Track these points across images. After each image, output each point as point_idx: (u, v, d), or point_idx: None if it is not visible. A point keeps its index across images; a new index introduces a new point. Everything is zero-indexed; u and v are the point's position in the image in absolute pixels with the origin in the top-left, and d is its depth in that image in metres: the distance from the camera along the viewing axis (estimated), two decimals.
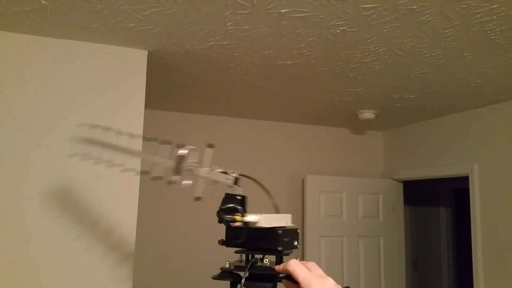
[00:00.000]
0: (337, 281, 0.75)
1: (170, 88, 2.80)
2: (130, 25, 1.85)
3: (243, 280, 0.84)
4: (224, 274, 0.92)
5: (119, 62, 2.09)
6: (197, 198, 0.85)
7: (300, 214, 3.72)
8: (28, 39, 1.95)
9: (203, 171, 0.89)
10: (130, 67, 2.10)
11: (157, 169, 0.91)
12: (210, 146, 0.91)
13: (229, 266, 0.92)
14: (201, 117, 3.54)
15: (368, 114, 3.26)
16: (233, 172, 0.92)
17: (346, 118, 3.58)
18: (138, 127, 2.07)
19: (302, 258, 3.64)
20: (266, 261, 0.94)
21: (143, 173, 0.90)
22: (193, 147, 0.89)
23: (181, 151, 0.87)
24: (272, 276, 0.91)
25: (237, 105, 3.24)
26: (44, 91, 1.94)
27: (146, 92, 2.78)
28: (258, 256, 0.96)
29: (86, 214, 1.94)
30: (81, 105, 2.00)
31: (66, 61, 2.00)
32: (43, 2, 1.64)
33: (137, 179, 2.02)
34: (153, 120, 3.36)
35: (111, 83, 2.06)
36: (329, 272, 3.61)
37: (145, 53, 2.13)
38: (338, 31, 1.86)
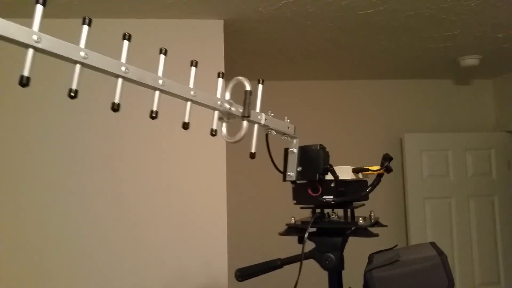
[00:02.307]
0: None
1: (252, 57, 2.80)
2: None
3: (306, 234, 0.81)
4: (290, 230, 0.90)
5: (197, 35, 2.14)
6: (253, 155, 0.79)
7: (400, 175, 3.52)
8: (116, 22, 2.08)
9: (263, 117, 0.81)
10: (208, 38, 2.14)
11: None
12: (261, 82, 0.83)
13: (295, 222, 0.90)
14: (286, 84, 3.49)
15: (471, 60, 2.91)
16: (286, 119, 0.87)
17: (446, 68, 3.24)
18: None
19: (405, 221, 3.46)
20: (332, 215, 0.90)
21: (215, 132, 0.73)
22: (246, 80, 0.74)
23: (247, 85, 0.74)
24: (341, 230, 0.86)
25: (321, 67, 3.13)
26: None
27: (230, 64, 2.82)
28: (327, 211, 0.92)
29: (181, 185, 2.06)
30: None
31: (147, 40, 2.11)
32: None
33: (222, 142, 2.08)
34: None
35: (191, 56, 2.12)
36: (436, 237, 3.38)
37: (221, 22, 2.15)
38: None
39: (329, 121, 3.50)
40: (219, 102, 0.73)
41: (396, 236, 3.49)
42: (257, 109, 0.80)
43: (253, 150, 0.78)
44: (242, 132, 0.72)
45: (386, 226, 0.91)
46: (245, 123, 0.72)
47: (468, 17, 2.18)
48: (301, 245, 0.89)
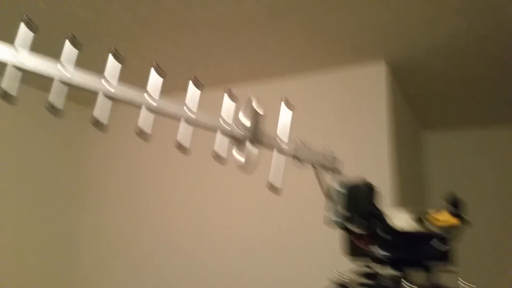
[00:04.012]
0: None
1: (440, 100, 2.40)
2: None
3: None
4: None
5: (357, 81, 1.99)
6: (275, 189, 0.61)
7: None
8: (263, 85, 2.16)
9: (285, 144, 0.63)
10: (368, 84, 1.96)
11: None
12: (289, 106, 0.65)
13: (342, 278, 0.65)
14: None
15: None
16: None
17: None
18: (382, 146, 1.86)
19: None
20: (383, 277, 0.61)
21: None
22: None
23: (256, 104, 0.62)
24: None
25: None
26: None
27: (410, 112, 2.49)
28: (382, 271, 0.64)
29: None
30: (326, 133, 1.99)
31: (297, 100, 2.08)
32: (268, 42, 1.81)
33: None
34: (440, 143, 2.95)
35: (351, 105, 1.98)
36: None
37: (381, 62, 1.94)
38: None
39: None
40: (220, 120, 0.63)
41: None
42: (281, 135, 0.65)
43: (277, 185, 0.62)
44: (249, 158, 0.60)
45: None
46: (252, 148, 0.61)
47: None
48: None
